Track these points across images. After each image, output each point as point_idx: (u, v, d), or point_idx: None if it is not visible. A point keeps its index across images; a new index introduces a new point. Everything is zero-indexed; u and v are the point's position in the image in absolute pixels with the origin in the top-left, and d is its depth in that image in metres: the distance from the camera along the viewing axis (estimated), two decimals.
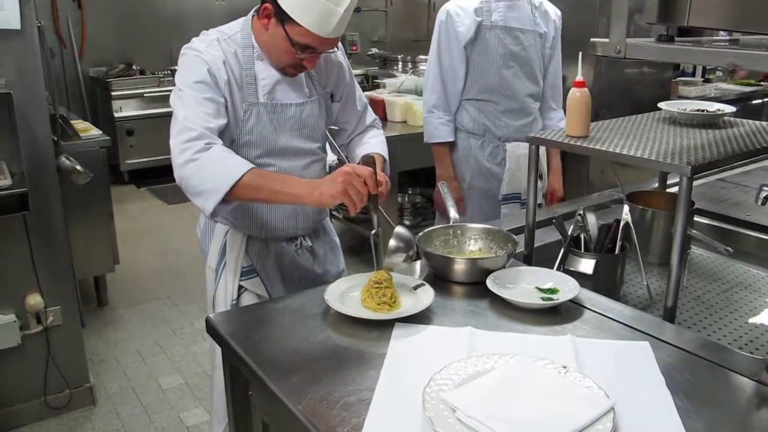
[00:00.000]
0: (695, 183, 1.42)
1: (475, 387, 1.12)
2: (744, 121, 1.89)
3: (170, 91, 1.70)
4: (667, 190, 2.15)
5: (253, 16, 1.73)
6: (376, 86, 4.63)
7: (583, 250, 1.68)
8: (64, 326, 2.72)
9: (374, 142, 1.92)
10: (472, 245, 1.76)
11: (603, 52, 1.42)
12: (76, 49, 5.95)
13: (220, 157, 1.56)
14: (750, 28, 1.32)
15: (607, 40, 1.41)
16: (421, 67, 4.59)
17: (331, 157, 2.04)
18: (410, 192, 4.56)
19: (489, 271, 1.57)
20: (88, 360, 2.94)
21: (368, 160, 1.61)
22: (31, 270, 2.58)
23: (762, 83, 5.24)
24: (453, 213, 1.82)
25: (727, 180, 2.52)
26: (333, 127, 1.97)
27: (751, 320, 1.66)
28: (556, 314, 1.46)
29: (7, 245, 2.54)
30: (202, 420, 2.79)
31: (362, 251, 4.31)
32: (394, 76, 4.71)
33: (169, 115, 1.64)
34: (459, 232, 1.77)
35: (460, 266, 1.60)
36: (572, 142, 1.63)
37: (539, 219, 1.82)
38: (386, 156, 1.88)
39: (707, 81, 5.45)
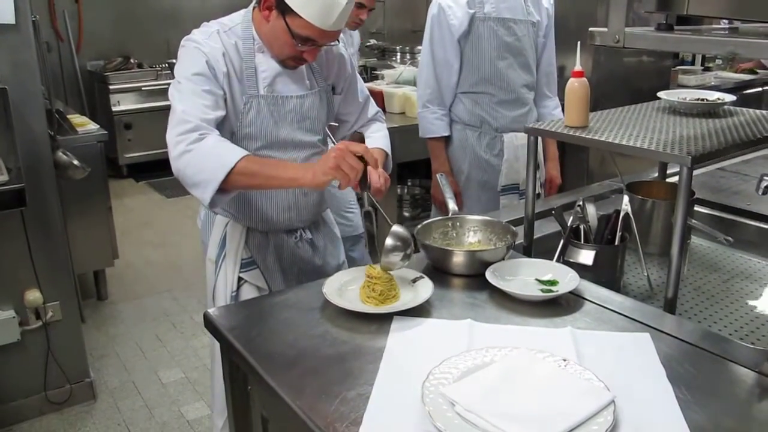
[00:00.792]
0: (695, 172, 1.41)
1: (474, 380, 1.11)
2: (744, 110, 1.88)
3: (168, 84, 1.69)
4: (667, 180, 2.14)
5: (254, 7, 1.71)
6: (375, 77, 4.60)
7: (582, 241, 1.67)
8: (63, 321, 2.72)
9: (376, 137, 1.91)
10: (471, 237, 1.75)
11: (602, 41, 1.41)
12: (73, 43, 5.91)
13: (214, 147, 1.55)
14: (749, 16, 1.31)
15: (605, 29, 1.40)
16: (420, 58, 4.56)
17: None
18: (409, 183, 4.54)
19: (488, 263, 1.56)
20: (88, 355, 2.94)
21: (356, 136, 1.59)
22: (29, 266, 2.58)
23: (758, 71, 5.21)
24: (452, 205, 1.81)
25: (727, 169, 2.51)
26: (333, 123, 1.96)
27: (753, 310, 1.65)
28: (556, 306, 1.45)
29: (5, 241, 2.53)
30: (202, 414, 2.79)
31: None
32: (392, 67, 4.69)
33: (168, 108, 1.63)
34: (458, 224, 1.77)
35: (459, 258, 1.59)
36: (571, 133, 1.62)
37: (538, 210, 1.81)
38: (388, 151, 1.87)
39: (707, 69, 5.42)
